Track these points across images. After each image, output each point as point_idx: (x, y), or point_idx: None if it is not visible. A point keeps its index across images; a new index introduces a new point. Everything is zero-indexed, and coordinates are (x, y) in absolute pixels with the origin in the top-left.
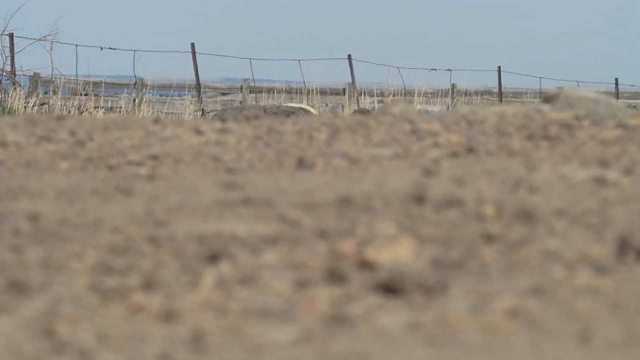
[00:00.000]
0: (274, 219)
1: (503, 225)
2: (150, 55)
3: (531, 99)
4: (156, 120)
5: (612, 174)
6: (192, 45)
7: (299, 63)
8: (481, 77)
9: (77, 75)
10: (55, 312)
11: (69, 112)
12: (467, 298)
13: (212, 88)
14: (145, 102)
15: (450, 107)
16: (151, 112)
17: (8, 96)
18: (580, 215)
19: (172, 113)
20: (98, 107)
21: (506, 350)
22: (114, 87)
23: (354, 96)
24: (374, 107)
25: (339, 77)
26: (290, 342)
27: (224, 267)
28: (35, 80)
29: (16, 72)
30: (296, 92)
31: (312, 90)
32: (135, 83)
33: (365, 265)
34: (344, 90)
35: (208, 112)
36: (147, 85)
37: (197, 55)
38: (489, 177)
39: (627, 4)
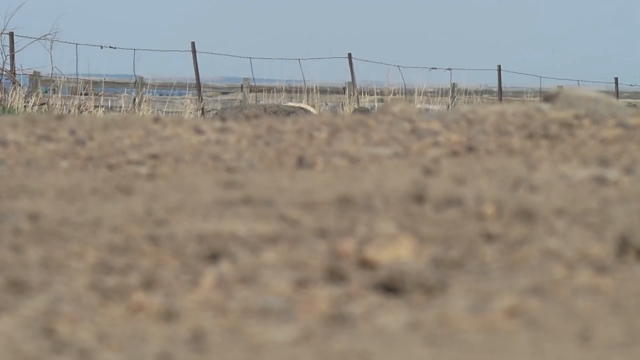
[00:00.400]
0: (274, 218)
1: (503, 224)
2: (151, 54)
3: (531, 98)
4: (156, 120)
5: (612, 173)
6: (193, 44)
7: (299, 62)
8: (481, 77)
9: (77, 74)
10: (56, 312)
11: (69, 111)
12: (467, 297)
13: (212, 87)
14: (146, 101)
15: (450, 106)
16: (151, 111)
17: (8, 95)
18: (580, 215)
19: (172, 112)
20: (98, 106)
21: (506, 349)
22: (114, 86)
23: (354, 95)
24: (374, 106)
25: (339, 76)
26: (290, 342)
27: (224, 267)
28: (35, 79)
29: (16, 71)
30: (296, 91)
31: (312, 89)
32: (136, 82)
33: (365, 264)
34: (344, 89)
35: (208, 111)
36: (147, 84)
37: (197, 54)
38: (489, 176)
39: (627, 3)
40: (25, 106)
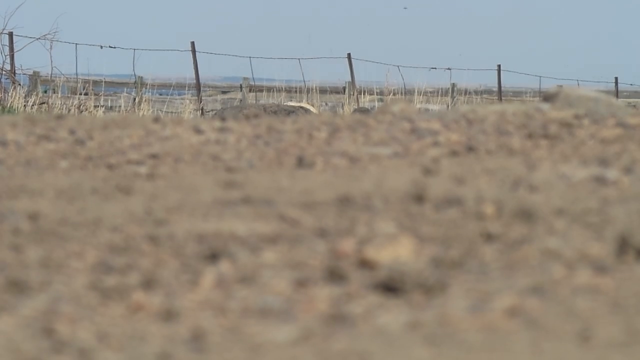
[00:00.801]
0: (274, 218)
1: (503, 224)
2: (150, 54)
3: (531, 98)
4: (156, 119)
5: (611, 173)
6: (192, 44)
7: (299, 62)
8: (481, 76)
9: (76, 74)
10: (55, 311)
11: (69, 111)
12: (466, 297)
13: (211, 87)
14: (145, 101)
15: (450, 106)
16: (151, 111)
17: (8, 95)
18: (580, 214)
19: (172, 112)
20: (98, 106)
21: (506, 349)
22: (114, 86)
23: (353, 95)
24: (374, 105)
25: (339, 76)
26: (290, 341)
27: (224, 266)
28: (35, 79)
29: (16, 71)
30: (296, 91)
31: (312, 89)
32: (135, 82)
33: (365, 264)
34: (344, 89)
35: (208, 111)
36: (146, 84)
37: (197, 54)
38: (489, 176)
39: (627, 3)
40: (25, 106)
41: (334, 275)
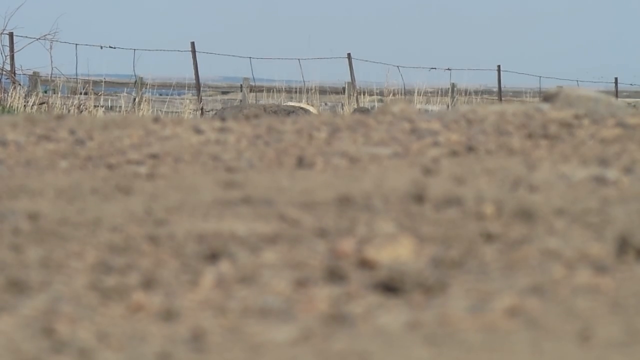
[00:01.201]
0: (274, 218)
1: (503, 224)
2: (150, 54)
3: (531, 98)
4: (156, 119)
5: (611, 173)
6: (192, 44)
7: (299, 62)
8: (481, 77)
9: (76, 74)
10: (55, 311)
11: (69, 111)
12: (466, 297)
13: (212, 87)
14: (145, 101)
15: (450, 106)
16: (151, 111)
17: (8, 95)
18: (580, 214)
19: (172, 112)
20: (98, 106)
21: (506, 349)
22: (114, 86)
23: (353, 95)
24: (374, 106)
25: (339, 76)
26: (290, 341)
27: (224, 266)
28: (35, 79)
29: (16, 71)
30: (296, 91)
31: (312, 89)
32: (135, 82)
33: (365, 264)
34: (344, 89)
35: (208, 111)
36: (147, 84)
37: (197, 54)
38: (489, 176)
39: (627, 3)
40: (25, 106)
41: (334, 275)
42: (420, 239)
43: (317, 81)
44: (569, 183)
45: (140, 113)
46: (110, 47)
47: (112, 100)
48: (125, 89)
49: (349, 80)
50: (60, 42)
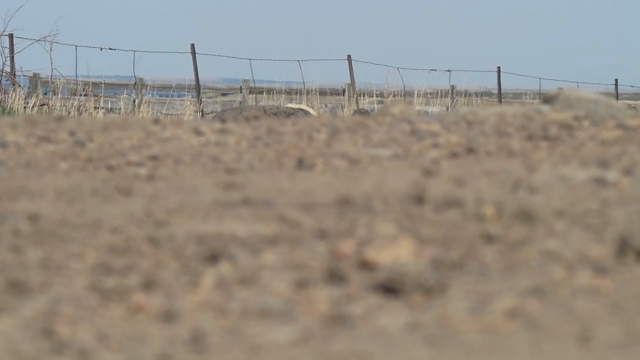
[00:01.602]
0: (274, 219)
1: (503, 225)
2: (150, 55)
3: (530, 100)
4: (156, 121)
5: (611, 175)
6: (192, 45)
7: (299, 63)
8: (481, 78)
9: (76, 76)
10: (55, 312)
11: (69, 112)
12: (466, 298)
13: (211, 89)
14: (145, 102)
15: (449, 108)
16: (151, 112)
17: (8, 97)
18: (580, 216)
19: (172, 114)
20: (98, 108)
21: (506, 350)
22: (114, 87)
23: (353, 97)
24: (374, 107)
25: (339, 78)
26: (290, 342)
27: (224, 268)
28: (35, 80)
29: (16, 73)
30: (296, 93)
31: (312, 91)
32: (135, 84)
33: (365, 265)
34: (344, 90)
35: (208, 113)
36: (146, 86)
37: (196, 55)
38: (489, 177)
39: (627, 4)
40: (25, 107)
41: (334, 277)
42: (420, 241)
43: (317, 83)
44: (569, 184)
45: (140, 115)
46: (110, 48)
47: (112, 101)
48: (125, 91)
49: (349, 81)
50: (60, 43)
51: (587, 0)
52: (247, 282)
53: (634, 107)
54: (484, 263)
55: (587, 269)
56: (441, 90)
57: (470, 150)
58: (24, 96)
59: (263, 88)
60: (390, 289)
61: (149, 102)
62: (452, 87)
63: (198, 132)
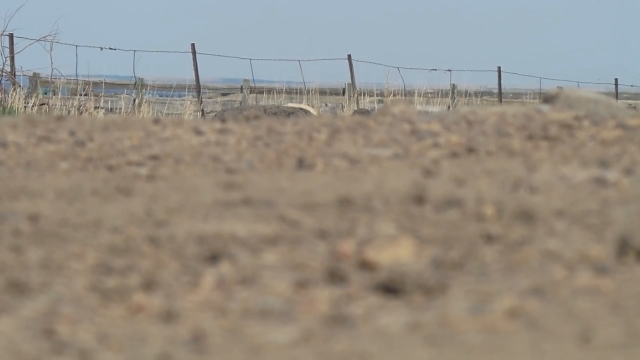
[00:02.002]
0: (274, 219)
1: (503, 225)
2: (150, 55)
3: (531, 100)
4: (156, 121)
5: (612, 175)
6: (192, 45)
7: (299, 63)
8: (481, 78)
9: (77, 76)
10: (55, 312)
11: (69, 112)
12: (467, 298)
13: (212, 88)
14: (145, 102)
15: (450, 108)
16: (151, 112)
17: (8, 96)
18: (580, 216)
19: (172, 113)
20: (98, 108)
21: (506, 350)
22: (114, 87)
23: (353, 96)
24: (374, 107)
25: (339, 78)
26: (290, 342)
27: (224, 268)
28: (35, 80)
29: (16, 73)
30: (296, 93)
31: (312, 91)
32: (135, 83)
33: (365, 265)
34: (344, 90)
35: (208, 113)
36: (147, 86)
37: (197, 55)
38: (489, 177)
39: (627, 4)
40: (25, 107)
41: (334, 277)
42: (421, 240)
43: (317, 82)
44: (569, 184)
45: (141, 114)
46: (110, 48)
47: (112, 101)
48: (126, 91)
49: (349, 81)
50: (61, 43)
51: (587, 0)
52: (247, 282)
53: (634, 107)
54: (484, 263)
55: (587, 269)
56: (442, 90)
57: (471, 150)
58: (24, 96)
59: (263, 88)
60: (390, 289)
61: (149, 101)
62: (453, 86)
63: (198, 132)
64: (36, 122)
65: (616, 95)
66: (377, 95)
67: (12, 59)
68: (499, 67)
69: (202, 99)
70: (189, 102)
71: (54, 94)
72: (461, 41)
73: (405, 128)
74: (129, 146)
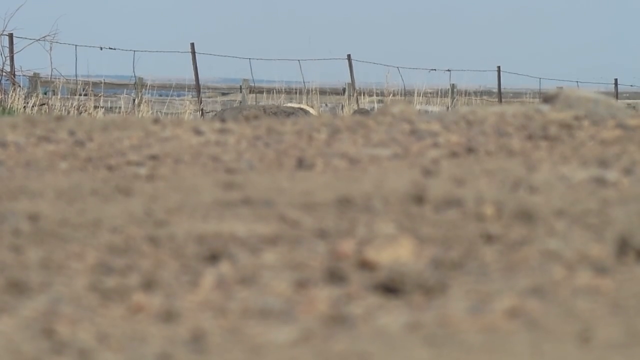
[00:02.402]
0: (274, 219)
1: (503, 225)
2: (150, 55)
3: (530, 99)
4: (156, 121)
5: (611, 174)
6: (192, 45)
7: (299, 63)
8: (481, 78)
9: (76, 76)
10: (55, 312)
11: (69, 112)
12: (467, 298)
13: (211, 88)
14: (145, 102)
15: (449, 108)
16: (151, 112)
17: (8, 96)
18: (580, 216)
19: (172, 113)
20: (97, 107)
21: (506, 350)
22: (114, 87)
23: (353, 96)
24: (374, 107)
25: (339, 77)
26: (290, 342)
27: (224, 267)
28: (34, 80)
29: (16, 73)
30: (296, 92)
31: (312, 91)
32: (135, 83)
33: (365, 265)
34: (344, 90)
35: (207, 112)
36: (146, 86)
37: (196, 55)
38: (489, 177)
39: (627, 3)
40: (24, 107)
41: (334, 276)
42: (420, 240)
43: (317, 82)
44: (569, 184)
45: (140, 114)
46: (110, 48)
47: (111, 101)
48: (125, 90)
49: (349, 81)
50: (60, 43)
51: (587, 0)
52: (247, 282)
53: (634, 107)
54: (484, 263)
55: (587, 269)
56: (441, 90)
57: (470, 150)
58: (23, 96)
59: (263, 88)
60: (390, 288)
61: (148, 101)
62: (452, 86)
63: (198, 132)
64: (36, 122)
65: (616, 95)
66: (376, 95)
67: (11, 58)
68: (499, 67)
69: (202, 99)
70: (188, 102)
71: (54, 94)
72: (461, 41)
73: (405, 128)
74: (129, 146)
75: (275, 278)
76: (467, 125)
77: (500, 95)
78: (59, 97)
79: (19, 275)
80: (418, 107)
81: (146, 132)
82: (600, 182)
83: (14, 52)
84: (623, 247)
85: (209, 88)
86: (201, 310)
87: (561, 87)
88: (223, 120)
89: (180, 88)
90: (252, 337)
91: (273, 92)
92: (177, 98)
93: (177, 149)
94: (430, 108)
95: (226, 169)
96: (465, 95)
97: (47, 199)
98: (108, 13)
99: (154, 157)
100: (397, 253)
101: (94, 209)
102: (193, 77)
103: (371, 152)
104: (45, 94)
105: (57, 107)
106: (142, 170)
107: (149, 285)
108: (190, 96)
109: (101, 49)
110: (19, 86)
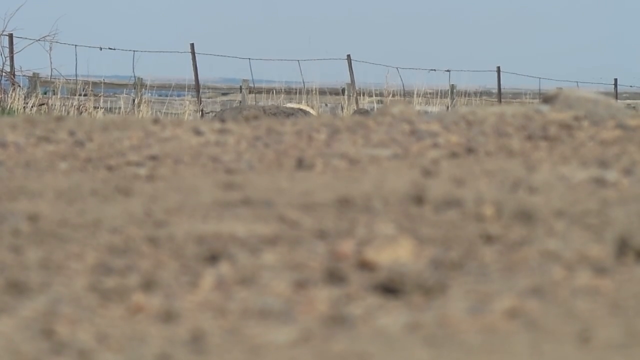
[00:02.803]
0: (274, 219)
1: (502, 225)
2: (150, 55)
3: (530, 100)
4: (155, 121)
5: (611, 175)
6: (192, 45)
7: (299, 63)
8: (480, 78)
9: (76, 76)
10: (55, 313)
11: (68, 112)
12: (466, 298)
13: (211, 88)
14: (145, 102)
15: (449, 108)
16: (150, 112)
17: (7, 96)
18: (580, 216)
19: (172, 113)
20: (97, 108)
21: (506, 350)
22: (113, 87)
23: (353, 96)
24: (373, 107)
25: (338, 78)
26: (290, 343)
27: (224, 268)
28: (34, 80)
29: (15, 73)
30: (295, 93)
31: (312, 91)
32: (135, 83)
33: (365, 265)
34: (343, 90)
35: (207, 113)
36: (146, 86)
37: (196, 55)
38: (489, 177)
39: (627, 4)
40: (24, 107)
41: (334, 277)
42: (420, 241)
43: (317, 82)
44: (569, 184)
45: (140, 114)
46: (109, 48)
47: (111, 101)
48: (125, 90)
49: (349, 81)
50: (60, 43)
51: (587, 0)
52: (247, 282)
53: (634, 107)
54: (483, 263)
55: (587, 269)
56: (441, 90)
57: (470, 150)
58: (23, 96)
59: (263, 88)
60: (390, 289)
61: (148, 101)
62: (452, 86)
63: (198, 132)
64: (35, 122)
65: (616, 95)
66: (376, 96)
67: (11, 58)
68: (498, 67)
69: (202, 99)
70: (188, 102)
71: (54, 94)
72: (460, 41)
73: (405, 128)
74: (129, 146)
75: (275, 278)
76: (466, 125)
77: (499, 95)
78: (58, 97)
79: (18, 276)
80: (418, 107)
81: (146, 132)
82: (600, 182)
83: (14, 52)
84: (623, 247)
85: (208, 88)
86: (201, 311)
87: (561, 88)
88: (223, 121)
89: (180, 88)
90: (252, 337)
91: (273, 92)
92: (176, 98)
93: (177, 149)
94: (429, 108)
95: (226, 170)
96: (465, 96)
97: (46, 199)
98: (108, 13)
99: (153, 158)
100: (397, 253)
101: (94, 210)
102: (193, 77)
103: (371, 153)
104: (45, 94)
105: (56, 107)
106: (142, 171)
107: (148, 285)
108: (190, 96)
109: (101, 49)
110: (19, 86)
